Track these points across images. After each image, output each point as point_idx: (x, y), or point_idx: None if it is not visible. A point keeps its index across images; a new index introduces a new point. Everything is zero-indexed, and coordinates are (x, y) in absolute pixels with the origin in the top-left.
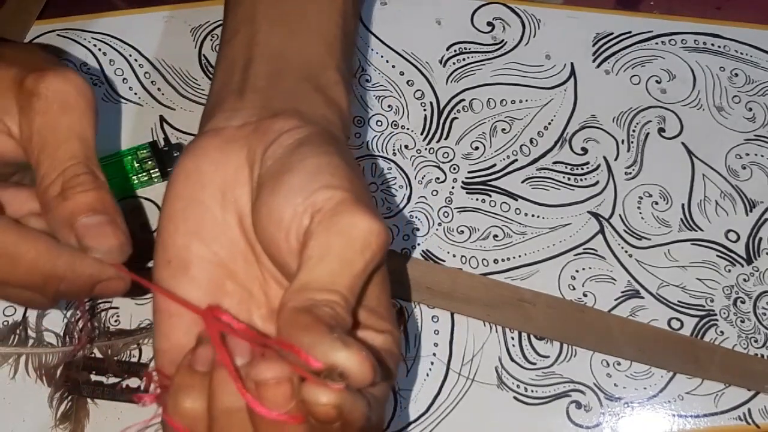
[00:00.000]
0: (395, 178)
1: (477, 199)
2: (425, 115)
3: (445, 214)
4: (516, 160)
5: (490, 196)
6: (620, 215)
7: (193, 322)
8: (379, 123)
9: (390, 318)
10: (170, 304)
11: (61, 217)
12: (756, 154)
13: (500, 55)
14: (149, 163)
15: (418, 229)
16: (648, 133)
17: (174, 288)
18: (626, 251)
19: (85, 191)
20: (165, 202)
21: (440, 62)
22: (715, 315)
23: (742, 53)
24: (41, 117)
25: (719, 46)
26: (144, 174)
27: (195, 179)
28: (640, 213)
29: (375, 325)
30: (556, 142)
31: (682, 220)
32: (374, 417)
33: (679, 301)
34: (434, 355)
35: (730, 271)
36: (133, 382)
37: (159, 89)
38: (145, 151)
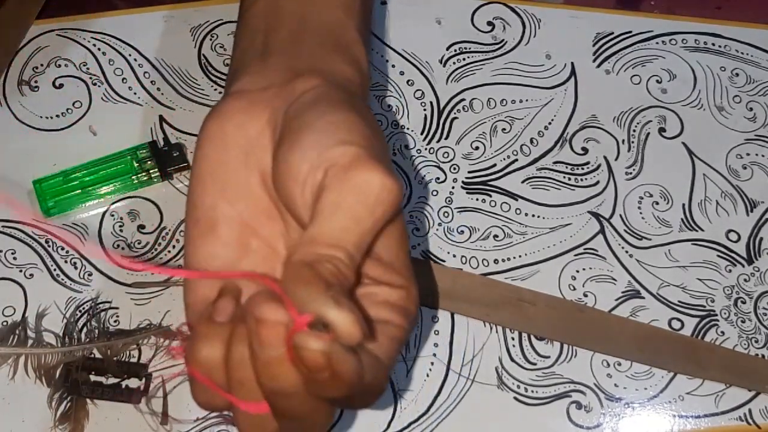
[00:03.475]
0: None
1: (477, 199)
2: (425, 115)
3: (445, 214)
4: (516, 160)
5: (490, 196)
6: (621, 215)
7: (220, 280)
8: (379, 123)
9: (407, 274)
10: (199, 262)
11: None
12: (757, 154)
13: (500, 55)
14: (149, 163)
15: (418, 229)
16: (648, 133)
17: (202, 246)
18: (627, 251)
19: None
20: (193, 163)
21: (440, 62)
22: (716, 315)
23: (742, 53)
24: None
25: (720, 46)
26: (143, 174)
27: (219, 141)
28: (641, 213)
29: (390, 281)
30: (556, 142)
31: (682, 220)
32: (370, 377)
33: (679, 302)
34: (434, 355)
35: (730, 271)
36: (133, 383)
37: (158, 89)
38: (144, 151)
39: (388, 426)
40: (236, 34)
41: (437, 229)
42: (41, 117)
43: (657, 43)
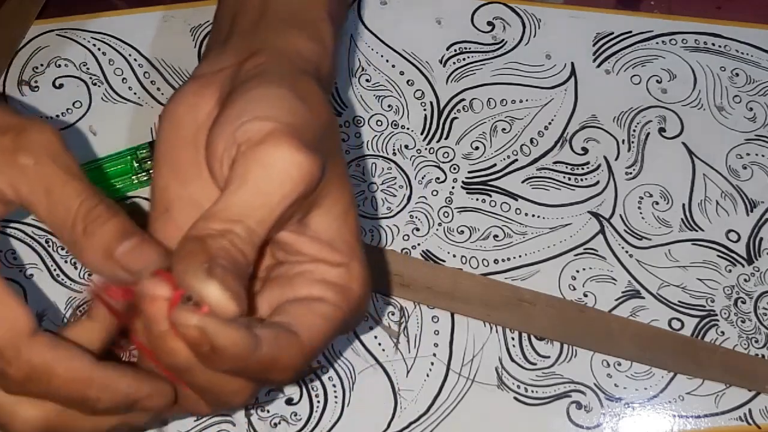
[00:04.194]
0: (395, 178)
1: (477, 199)
2: (425, 115)
3: (445, 214)
4: (516, 160)
5: (490, 196)
6: (621, 215)
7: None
8: (379, 123)
9: (350, 252)
10: (162, 236)
11: (97, 253)
12: (757, 154)
13: (500, 55)
14: (149, 163)
15: (418, 229)
16: (648, 133)
17: (157, 228)
18: (627, 251)
19: (108, 221)
20: (155, 146)
21: (440, 62)
22: (716, 315)
23: (742, 53)
24: (35, 170)
25: (720, 46)
26: (144, 174)
27: (173, 123)
28: (641, 213)
29: (327, 258)
30: (556, 142)
31: (682, 220)
32: (275, 351)
33: (679, 302)
34: (434, 355)
35: (730, 271)
36: None
37: (158, 89)
38: (144, 151)
39: (388, 426)
40: (212, 24)
41: (437, 229)
42: (41, 117)
43: (657, 43)
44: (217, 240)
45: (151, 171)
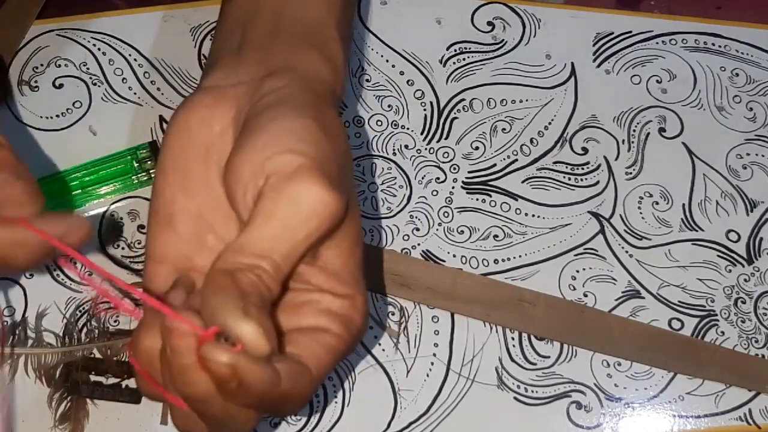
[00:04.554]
0: (395, 178)
1: (477, 199)
2: (425, 115)
3: (445, 214)
4: (516, 160)
5: (490, 196)
6: (621, 215)
7: (175, 271)
8: (379, 123)
9: (354, 285)
10: (155, 252)
11: None
12: (757, 154)
13: (500, 55)
14: (149, 163)
15: (418, 229)
16: (648, 133)
17: (158, 237)
18: (627, 251)
19: None
20: (160, 154)
21: (440, 62)
22: (716, 315)
23: (742, 53)
24: None
25: (720, 46)
26: (144, 174)
27: (184, 134)
28: (641, 213)
29: (333, 289)
30: (556, 142)
31: (682, 220)
32: (291, 385)
33: (679, 302)
34: (434, 355)
35: (730, 271)
36: (133, 383)
37: (158, 89)
38: (144, 150)
39: (388, 426)
40: (216, 27)
41: (437, 229)
42: (41, 117)
43: (657, 43)
44: (247, 275)
45: (151, 171)
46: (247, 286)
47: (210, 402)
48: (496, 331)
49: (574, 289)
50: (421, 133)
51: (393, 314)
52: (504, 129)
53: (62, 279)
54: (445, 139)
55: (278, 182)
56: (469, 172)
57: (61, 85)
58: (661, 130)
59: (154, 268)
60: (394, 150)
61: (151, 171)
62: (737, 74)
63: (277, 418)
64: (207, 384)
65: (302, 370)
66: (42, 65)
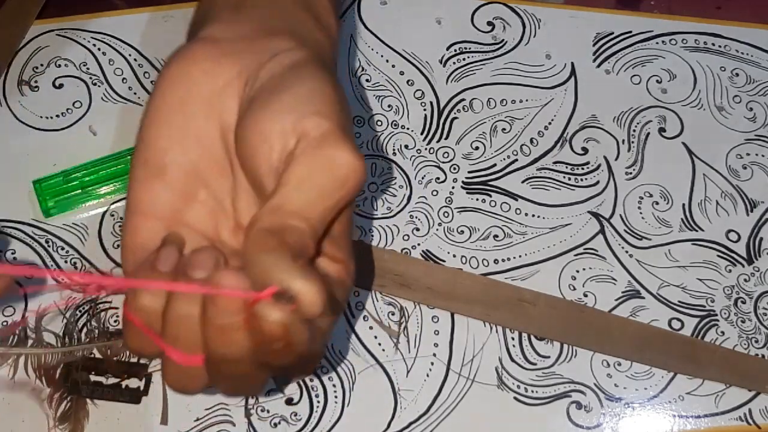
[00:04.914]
0: (395, 178)
1: (477, 199)
2: (425, 115)
3: (445, 214)
4: (516, 160)
5: (490, 196)
6: (621, 215)
7: (163, 226)
8: (379, 123)
9: (347, 250)
10: (142, 204)
11: None
12: (757, 154)
13: (500, 55)
14: None
15: (418, 229)
16: (648, 133)
17: (148, 188)
18: (627, 251)
19: None
20: (150, 103)
21: (440, 62)
22: (716, 315)
23: (742, 53)
24: None
25: (720, 46)
26: None
27: (183, 85)
28: (641, 213)
29: (332, 254)
30: (556, 142)
31: (682, 220)
32: (314, 347)
33: (679, 302)
34: (434, 355)
35: (730, 271)
36: (133, 383)
37: None
38: None
39: (388, 426)
40: None
41: (437, 229)
42: (41, 117)
43: (657, 43)
44: (292, 236)
45: None
46: (295, 246)
47: (241, 362)
48: (496, 331)
49: (574, 289)
50: (421, 133)
51: (393, 314)
52: (504, 129)
53: (62, 279)
54: (445, 139)
55: (310, 146)
56: (469, 172)
57: (61, 85)
58: (661, 130)
59: (140, 222)
60: (394, 150)
61: None
62: (737, 74)
63: (276, 418)
64: (245, 344)
65: (321, 331)
66: (42, 65)
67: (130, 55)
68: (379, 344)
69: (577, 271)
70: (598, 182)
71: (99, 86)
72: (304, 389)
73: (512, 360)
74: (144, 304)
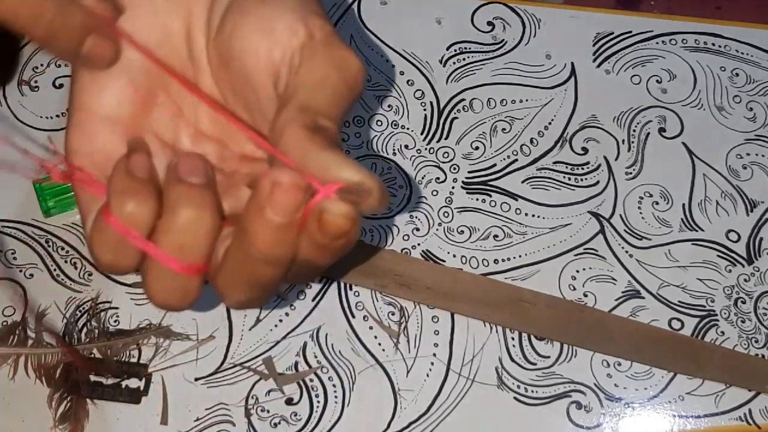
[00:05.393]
0: (395, 178)
1: (477, 199)
2: (425, 115)
3: (445, 214)
4: (516, 160)
5: (490, 196)
6: (621, 215)
7: (120, 127)
8: (379, 123)
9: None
10: (93, 102)
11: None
12: (757, 154)
13: (500, 55)
14: None
15: (418, 229)
16: (648, 133)
17: (107, 81)
18: (627, 251)
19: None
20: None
21: (440, 62)
22: (716, 315)
23: (742, 53)
24: None
25: (720, 46)
26: None
27: None
28: (641, 213)
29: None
30: (556, 142)
31: (682, 220)
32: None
33: (679, 302)
34: (434, 355)
35: (730, 271)
36: (133, 383)
37: None
38: None
39: (388, 426)
40: None
41: (437, 229)
42: (41, 117)
43: (657, 43)
44: (326, 133)
45: None
46: (334, 144)
47: (278, 265)
48: (496, 331)
49: (574, 289)
50: (421, 133)
51: (393, 314)
52: (504, 129)
53: (62, 279)
54: (445, 139)
55: (321, 46)
56: (469, 172)
57: (61, 85)
58: (661, 130)
59: (95, 124)
60: (394, 150)
61: None
62: (737, 74)
63: (276, 418)
64: (294, 245)
65: None
66: (42, 65)
67: None
68: (379, 344)
69: (577, 271)
70: (598, 182)
71: None
72: (304, 389)
73: (512, 360)
74: (129, 211)
